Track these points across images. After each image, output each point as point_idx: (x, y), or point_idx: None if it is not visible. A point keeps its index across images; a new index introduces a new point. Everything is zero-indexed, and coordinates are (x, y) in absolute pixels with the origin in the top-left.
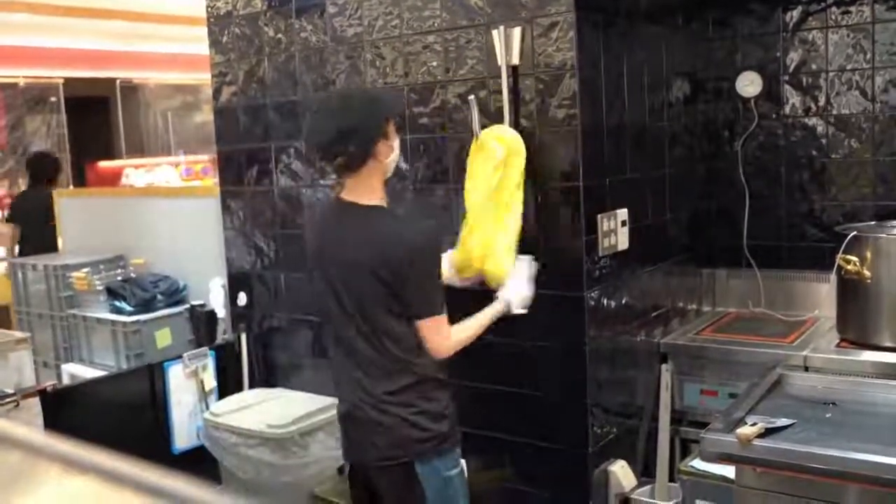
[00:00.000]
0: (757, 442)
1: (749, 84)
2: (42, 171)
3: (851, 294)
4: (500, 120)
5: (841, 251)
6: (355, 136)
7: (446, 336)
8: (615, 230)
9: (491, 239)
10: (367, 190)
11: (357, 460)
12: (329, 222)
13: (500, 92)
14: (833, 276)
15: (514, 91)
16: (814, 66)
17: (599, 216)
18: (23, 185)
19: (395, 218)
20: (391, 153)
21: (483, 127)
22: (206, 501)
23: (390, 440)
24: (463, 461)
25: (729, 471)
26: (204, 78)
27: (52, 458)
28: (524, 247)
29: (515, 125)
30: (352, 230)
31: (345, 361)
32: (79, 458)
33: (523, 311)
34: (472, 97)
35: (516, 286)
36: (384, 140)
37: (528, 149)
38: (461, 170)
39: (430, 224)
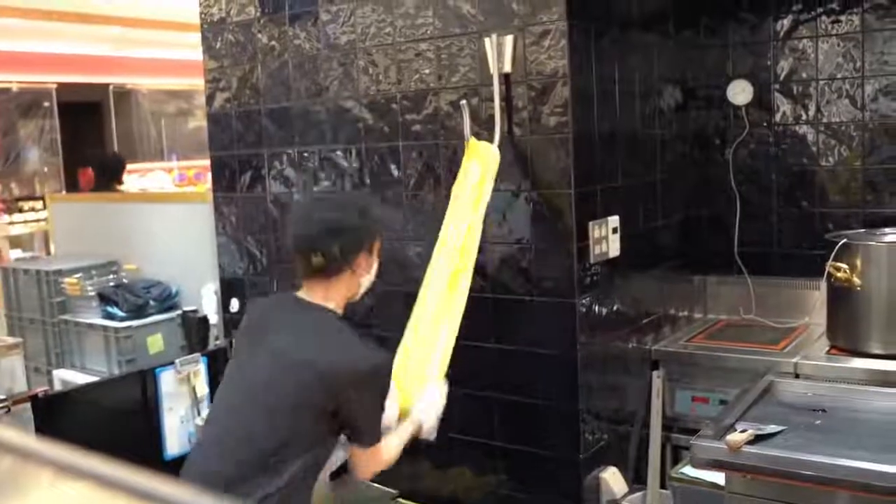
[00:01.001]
0: (746, 448)
1: (740, 92)
2: (112, 171)
3: (841, 301)
4: (491, 127)
5: (831, 258)
6: (341, 236)
7: (379, 460)
8: (606, 237)
9: (422, 371)
10: (329, 299)
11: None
12: (278, 310)
13: (492, 99)
14: (823, 284)
15: (507, 98)
16: (804, 75)
17: (591, 223)
18: (16, 189)
19: (353, 333)
20: (368, 273)
21: (475, 133)
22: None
23: None
24: None
25: (719, 477)
26: (197, 84)
27: (44, 462)
28: (516, 255)
29: (508, 132)
30: (302, 326)
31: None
32: (71, 463)
33: (431, 439)
34: (463, 101)
35: (427, 409)
36: (368, 255)
37: (519, 156)
38: (453, 177)
39: (385, 356)
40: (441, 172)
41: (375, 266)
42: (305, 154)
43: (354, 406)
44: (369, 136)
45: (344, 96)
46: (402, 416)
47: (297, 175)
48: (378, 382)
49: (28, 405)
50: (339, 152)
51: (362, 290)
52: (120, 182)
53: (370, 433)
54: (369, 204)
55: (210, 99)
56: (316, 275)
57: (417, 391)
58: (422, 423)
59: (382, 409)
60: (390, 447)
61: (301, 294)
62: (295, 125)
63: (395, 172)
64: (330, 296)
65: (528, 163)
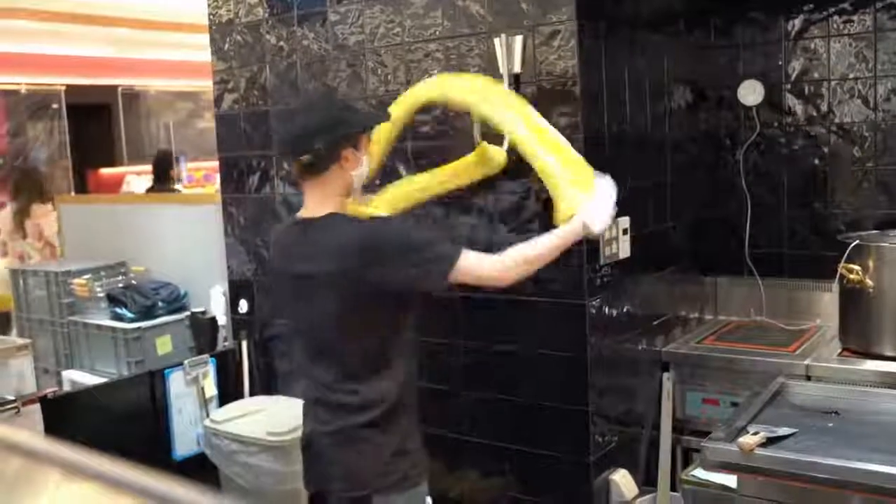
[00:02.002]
0: (759, 451)
1: (751, 92)
2: (165, 168)
3: (854, 303)
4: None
5: (843, 260)
6: (324, 133)
7: (491, 266)
8: (617, 238)
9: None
10: (326, 200)
11: (317, 489)
12: (288, 241)
13: None
14: (835, 285)
15: None
16: (816, 75)
17: None
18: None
19: (353, 219)
20: (359, 166)
21: (483, 135)
22: None
23: (347, 472)
24: (429, 499)
25: (731, 480)
26: (206, 85)
27: (54, 463)
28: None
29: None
30: (312, 244)
31: (306, 387)
32: (80, 464)
33: (599, 233)
34: None
35: (596, 206)
36: (353, 149)
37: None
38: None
39: (387, 218)
40: None
41: (366, 161)
42: None
43: (398, 261)
44: None
45: (353, 97)
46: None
47: None
48: (398, 230)
49: (37, 406)
50: None
51: (357, 184)
52: (172, 179)
53: (439, 258)
54: (349, 102)
55: (218, 100)
56: (308, 174)
57: (580, 194)
58: (586, 223)
59: (430, 240)
60: (530, 244)
61: (303, 213)
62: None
63: (404, 173)
64: (327, 195)
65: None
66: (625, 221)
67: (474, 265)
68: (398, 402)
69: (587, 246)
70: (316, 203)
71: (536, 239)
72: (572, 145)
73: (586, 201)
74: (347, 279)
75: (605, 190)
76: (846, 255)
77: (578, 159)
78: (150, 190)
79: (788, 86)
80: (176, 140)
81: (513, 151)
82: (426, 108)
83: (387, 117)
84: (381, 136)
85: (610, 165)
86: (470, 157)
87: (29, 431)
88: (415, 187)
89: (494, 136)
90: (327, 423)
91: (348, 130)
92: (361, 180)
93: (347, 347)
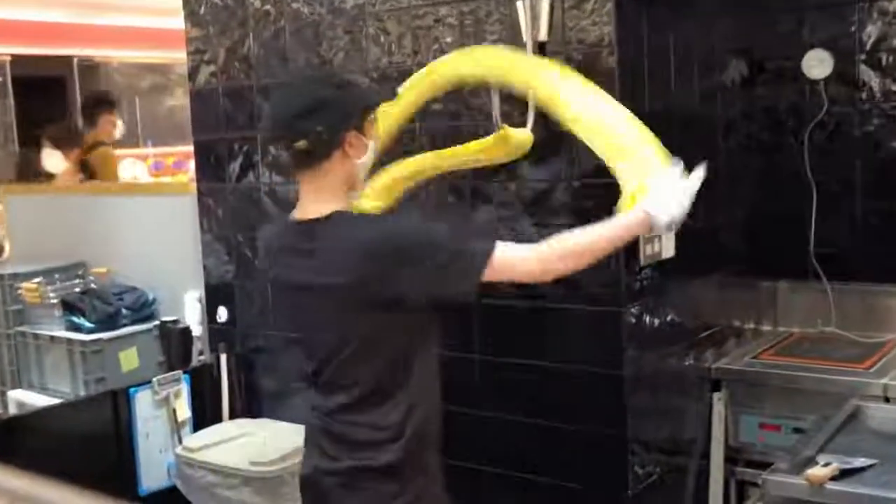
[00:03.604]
0: (831, 485)
1: (817, 64)
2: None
3: None
4: (523, 107)
5: None
6: (324, 113)
7: (531, 259)
8: (659, 235)
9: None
10: (327, 194)
11: None
12: (285, 246)
13: None
14: None
15: None
16: (895, 43)
17: None
18: None
19: (363, 217)
20: (364, 152)
21: (504, 115)
22: None
23: None
24: None
25: None
26: (178, 56)
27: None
28: None
29: (543, 113)
30: (316, 250)
31: (308, 416)
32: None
33: (670, 232)
34: None
35: (669, 193)
36: (358, 132)
37: (556, 139)
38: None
39: (402, 213)
40: None
41: (371, 146)
42: None
43: (424, 261)
44: None
45: (350, 70)
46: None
47: None
48: (418, 228)
49: None
50: None
51: (361, 175)
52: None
53: (470, 257)
54: (352, 78)
55: (193, 73)
56: (305, 164)
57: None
58: (652, 213)
59: (457, 235)
60: (578, 234)
61: (299, 213)
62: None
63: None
64: (328, 188)
65: (565, 147)
66: None
67: (512, 260)
68: (418, 436)
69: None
70: (314, 199)
71: (591, 227)
72: None
73: (658, 185)
74: (362, 290)
75: (680, 177)
76: None
77: (654, 138)
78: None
79: (863, 56)
80: (142, 120)
81: (543, 131)
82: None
83: (393, 95)
84: (384, 125)
85: None
86: (489, 140)
87: None
88: (417, 168)
89: (518, 116)
90: (334, 461)
91: (352, 114)
92: (366, 170)
93: (360, 370)
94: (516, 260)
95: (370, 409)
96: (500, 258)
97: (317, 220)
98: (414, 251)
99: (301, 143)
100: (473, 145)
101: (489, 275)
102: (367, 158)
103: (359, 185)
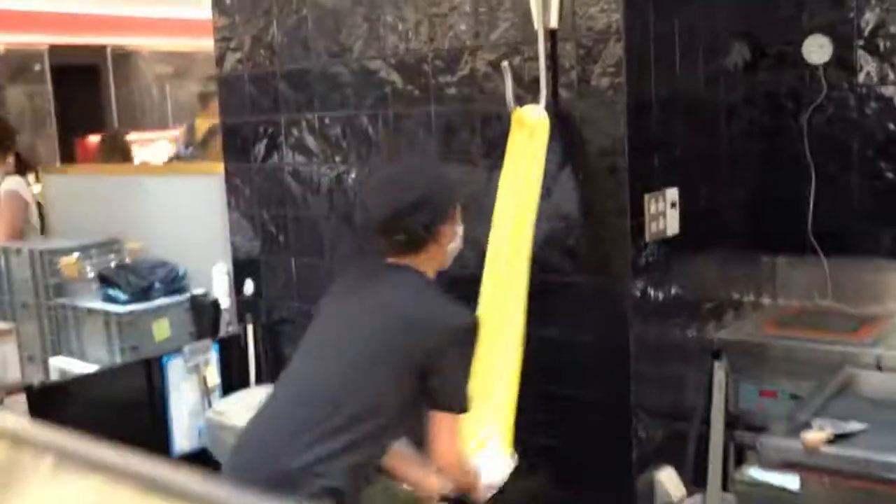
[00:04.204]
0: (825, 448)
1: (817, 49)
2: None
3: None
4: (535, 91)
5: None
6: (422, 211)
7: (457, 444)
8: (664, 212)
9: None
10: (430, 278)
11: None
12: (369, 273)
13: (536, 59)
14: None
15: (552, 58)
16: (893, 29)
17: (646, 197)
18: None
19: (445, 295)
20: (454, 240)
21: (517, 98)
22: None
23: None
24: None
25: (790, 480)
26: (206, 44)
27: (46, 451)
28: (562, 232)
29: (553, 96)
30: (397, 283)
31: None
32: (75, 451)
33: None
34: (505, 63)
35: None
36: (450, 223)
37: (567, 122)
38: (491, 146)
39: (477, 317)
40: (477, 140)
41: (461, 232)
42: (326, 121)
43: (444, 362)
44: (397, 101)
45: (369, 56)
46: None
47: (318, 144)
48: (469, 340)
49: (22, 396)
50: (363, 118)
51: (450, 259)
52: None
53: (455, 394)
54: (443, 169)
55: (220, 60)
56: (400, 252)
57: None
58: (481, 479)
59: (468, 375)
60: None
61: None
62: (315, 89)
63: (427, 141)
64: (422, 266)
65: (576, 129)
66: (673, 194)
67: (452, 424)
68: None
69: (631, 220)
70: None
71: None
72: (615, 109)
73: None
74: (396, 330)
75: (499, 461)
76: None
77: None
78: None
79: (861, 41)
80: (172, 105)
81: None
82: (450, 68)
83: (481, 180)
84: None
85: (657, 132)
86: (513, 133)
87: (17, 417)
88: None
89: (531, 100)
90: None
91: (447, 208)
92: (455, 254)
93: (353, 384)
94: (454, 432)
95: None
96: (458, 419)
97: (407, 269)
98: (453, 350)
99: (400, 238)
100: (511, 147)
101: (440, 419)
102: (458, 243)
103: (446, 265)
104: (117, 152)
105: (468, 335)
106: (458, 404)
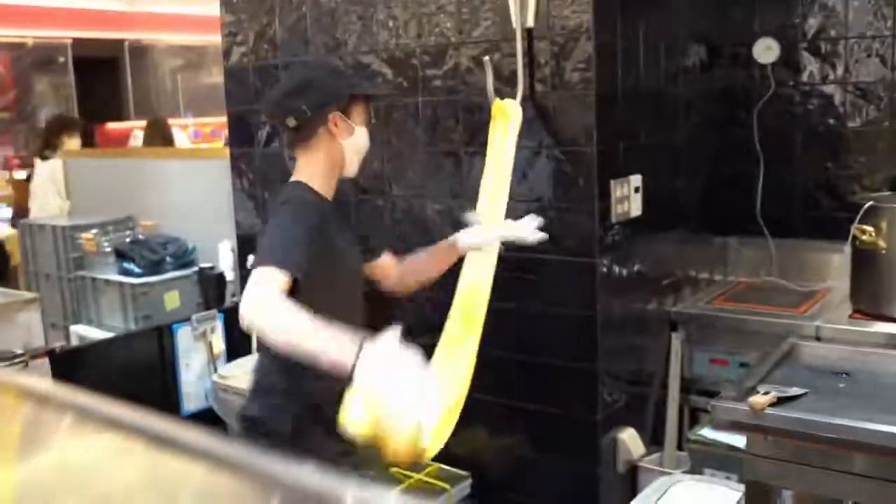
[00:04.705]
0: (769, 410)
1: (766, 50)
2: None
3: (866, 265)
4: (513, 84)
5: (857, 221)
6: (308, 93)
7: (264, 294)
8: (628, 196)
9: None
10: (306, 167)
11: None
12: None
13: (514, 55)
14: (847, 247)
15: (529, 54)
16: (833, 33)
17: (612, 182)
18: (32, 146)
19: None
20: (351, 134)
21: (497, 90)
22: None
23: None
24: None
25: (738, 440)
26: (214, 39)
27: (66, 408)
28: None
29: (530, 89)
30: (272, 206)
31: None
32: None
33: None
34: (486, 59)
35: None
36: (343, 115)
37: (542, 112)
38: (472, 133)
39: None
40: (460, 128)
41: (362, 134)
42: None
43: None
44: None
45: (363, 50)
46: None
47: None
48: (287, 208)
49: (45, 360)
50: None
51: (348, 157)
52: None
53: (263, 250)
54: (337, 64)
55: (227, 54)
56: (297, 142)
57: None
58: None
59: (290, 238)
60: (307, 324)
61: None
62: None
63: (414, 128)
64: (311, 164)
65: (549, 120)
66: (637, 179)
67: (259, 278)
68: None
69: (598, 203)
70: (297, 174)
71: (324, 331)
72: (585, 102)
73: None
74: None
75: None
76: (860, 216)
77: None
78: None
79: (805, 44)
80: (184, 95)
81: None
82: (436, 62)
83: (380, 88)
84: None
85: (622, 123)
86: (493, 121)
87: (41, 379)
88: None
89: (509, 92)
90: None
91: (336, 96)
92: (358, 155)
93: None
94: (263, 292)
95: None
96: (266, 271)
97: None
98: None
99: (290, 121)
100: (492, 134)
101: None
102: (357, 141)
103: (347, 167)
104: (159, 136)
105: (285, 203)
106: (266, 258)
